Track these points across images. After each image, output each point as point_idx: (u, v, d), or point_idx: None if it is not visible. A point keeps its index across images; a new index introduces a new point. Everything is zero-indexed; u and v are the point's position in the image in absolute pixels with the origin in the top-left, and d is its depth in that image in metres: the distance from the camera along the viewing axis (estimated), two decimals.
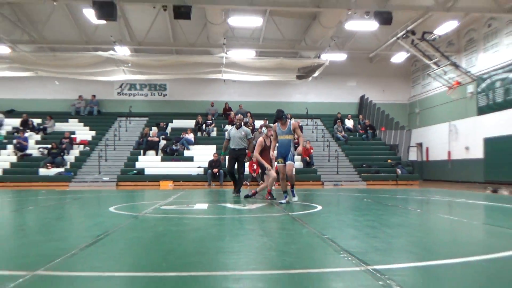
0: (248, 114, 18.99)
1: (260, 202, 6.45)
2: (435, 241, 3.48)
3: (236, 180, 7.70)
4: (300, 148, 6.00)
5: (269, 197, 6.98)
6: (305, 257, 2.77)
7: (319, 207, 5.94)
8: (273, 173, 6.90)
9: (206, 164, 14.83)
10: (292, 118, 6.16)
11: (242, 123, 7.60)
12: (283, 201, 5.94)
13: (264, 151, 7.00)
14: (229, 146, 7.62)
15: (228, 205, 6.36)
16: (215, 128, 18.14)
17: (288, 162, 6.00)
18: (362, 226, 4.09)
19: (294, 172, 6.10)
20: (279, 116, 5.88)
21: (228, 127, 7.96)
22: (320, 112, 20.40)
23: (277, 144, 6.29)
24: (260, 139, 6.99)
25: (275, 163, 6.17)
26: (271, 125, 6.93)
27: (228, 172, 7.66)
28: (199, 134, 18.21)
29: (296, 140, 6.20)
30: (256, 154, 6.91)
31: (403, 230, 3.92)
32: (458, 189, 11.71)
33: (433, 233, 3.98)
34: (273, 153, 6.44)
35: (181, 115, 19.60)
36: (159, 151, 16.43)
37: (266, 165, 6.85)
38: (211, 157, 14.87)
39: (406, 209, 5.93)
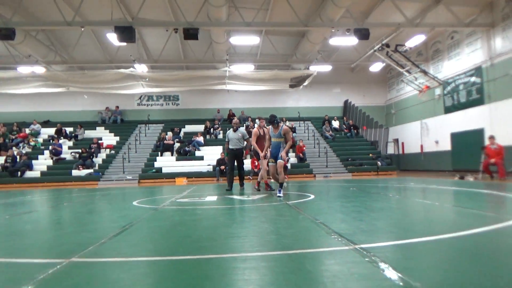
0: (249, 119, 18.92)
1: (261, 194, 6.42)
2: (412, 222, 3.48)
3: (232, 179, 7.60)
4: (282, 154, 5.78)
5: (269, 189, 6.96)
6: (301, 239, 2.78)
7: (312, 196, 5.92)
8: (265, 164, 6.89)
9: (214, 162, 14.83)
10: (286, 122, 6.05)
11: (245, 125, 7.58)
12: (280, 194, 5.88)
13: (260, 140, 6.99)
14: (230, 146, 7.55)
15: (235, 197, 6.34)
16: (221, 132, 18.12)
17: (278, 161, 5.94)
18: (349, 211, 4.09)
19: (282, 170, 5.97)
20: (271, 121, 5.81)
21: (229, 130, 7.69)
22: (310, 115, 20.33)
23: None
24: (255, 129, 6.97)
25: (266, 161, 6.12)
26: (262, 117, 6.95)
27: (229, 169, 7.58)
28: (207, 137, 18.18)
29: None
30: (253, 143, 6.91)
31: (384, 214, 3.92)
32: (430, 177, 11.69)
33: (410, 215, 3.97)
34: (266, 153, 6.38)
35: (192, 121, 19.53)
36: (174, 152, 16.40)
37: (260, 153, 6.82)
38: (219, 156, 14.86)
39: (386, 196, 5.91)
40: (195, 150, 16.59)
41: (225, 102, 20.33)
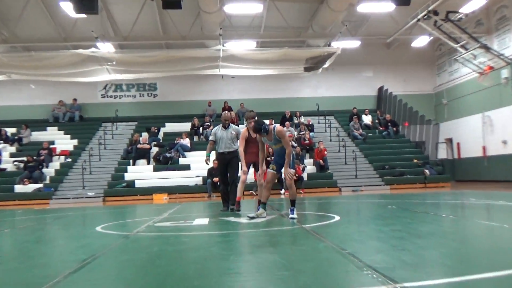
0: (252, 113, 19.02)
1: (269, 214, 6.41)
2: (473, 251, 3.43)
3: (226, 196, 7.56)
4: (286, 172, 5.83)
5: (236, 208, 7.02)
6: (323, 276, 2.73)
7: (337, 217, 5.91)
8: (244, 177, 6.94)
9: (205, 173, 14.84)
10: (277, 125, 6.08)
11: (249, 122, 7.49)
12: (293, 215, 5.85)
13: (249, 144, 6.98)
14: (217, 149, 7.53)
15: (232, 219, 6.34)
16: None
17: (288, 168, 5.93)
18: (388, 238, 4.06)
19: (292, 182, 5.96)
20: (258, 129, 5.86)
21: (216, 127, 7.82)
22: (333, 107, 20.38)
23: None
24: (243, 130, 6.99)
25: (267, 169, 6.14)
26: (251, 114, 7.02)
27: (220, 182, 7.57)
28: (195, 138, 18.25)
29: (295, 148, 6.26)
30: (240, 148, 6.93)
31: (435, 240, 3.88)
32: (496, 190, 11.61)
33: (471, 242, 3.93)
34: (263, 168, 6.46)
35: (174, 118, 19.67)
36: (151, 160, 16.48)
37: (243, 165, 6.84)
38: (211, 165, 14.87)
39: (438, 216, 5.88)
40: (179, 156, 16.65)
41: (219, 92, 20.45)
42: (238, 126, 8.12)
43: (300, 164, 14.96)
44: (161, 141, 17.96)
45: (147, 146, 16.64)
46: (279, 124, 6.35)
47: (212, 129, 8.12)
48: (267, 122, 17.48)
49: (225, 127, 7.47)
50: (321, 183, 15.12)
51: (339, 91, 20.77)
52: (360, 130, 18.35)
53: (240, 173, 7.10)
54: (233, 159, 7.27)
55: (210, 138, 7.57)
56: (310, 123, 18.59)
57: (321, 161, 15.76)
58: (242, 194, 7.18)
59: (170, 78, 19.39)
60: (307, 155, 16.74)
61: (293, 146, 15.89)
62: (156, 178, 15.46)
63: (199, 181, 15.22)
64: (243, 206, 7.44)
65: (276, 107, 19.97)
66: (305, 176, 15.10)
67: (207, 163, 7.50)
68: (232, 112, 18.41)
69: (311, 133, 17.75)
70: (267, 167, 6.17)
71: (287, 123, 17.58)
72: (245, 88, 20.49)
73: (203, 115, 19.50)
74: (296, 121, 18.85)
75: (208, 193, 14.30)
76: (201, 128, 18.34)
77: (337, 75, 20.50)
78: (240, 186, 7.04)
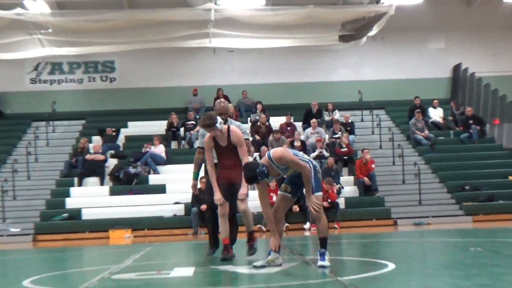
0: (258, 107, 19.04)
1: (285, 261, 6.40)
2: None
3: (216, 231, 7.54)
4: (312, 198, 5.83)
5: (223, 255, 6.89)
6: None
7: (391, 266, 5.87)
8: (222, 210, 6.86)
9: (188, 198, 14.86)
10: (274, 151, 6.14)
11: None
12: (324, 262, 5.83)
13: (221, 155, 6.93)
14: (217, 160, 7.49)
15: (229, 267, 6.33)
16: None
17: (314, 195, 5.91)
18: None
19: (321, 212, 5.95)
20: (250, 179, 6.04)
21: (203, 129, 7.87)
22: (384, 97, 20.43)
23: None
24: (206, 137, 6.92)
25: (278, 190, 6.25)
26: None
27: (211, 208, 7.50)
28: (174, 145, 18.26)
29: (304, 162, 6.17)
30: (208, 167, 6.87)
31: None
32: None
33: None
34: (244, 193, 6.63)
35: (141, 114, 19.77)
36: (106, 178, 16.54)
37: (216, 192, 6.76)
38: (197, 186, 14.87)
39: None
40: (149, 172, 16.69)
41: (209, 74, 20.55)
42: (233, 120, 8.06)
43: (334, 184, 14.93)
44: (121, 149, 18.00)
45: (101, 157, 16.69)
46: (274, 150, 6.26)
47: (199, 130, 8.04)
48: (260, 160, 17.55)
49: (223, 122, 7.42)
50: (367, 213, 15.11)
51: (392, 72, 20.77)
52: (426, 132, 18.33)
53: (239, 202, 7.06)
54: (235, 177, 7.15)
55: (197, 144, 7.57)
56: (349, 120, 18.59)
57: (366, 179, 15.73)
58: (230, 234, 7.06)
59: (136, 54, 19.45)
60: (345, 170, 16.73)
61: (322, 157, 15.93)
62: (114, 205, 15.48)
63: (180, 210, 15.20)
64: (244, 248, 7.39)
65: (296, 97, 20.00)
66: (341, 202, 15.07)
67: (194, 190, 7.53)
68: (230, 105, 18.46)
69: (351, 137, 17.75)
70: (278, 186, 6.28)
71: (313, 121, 17.59)
72: (249, 68, 20.56)
73: (185, 109, 19.55)
74: (327, 117, 18.86)
75: (194, 229, 14.28)
76: (182, 129, 18.37)
77: (389, 47, 20.51)
78: (221, 223, 6.95)
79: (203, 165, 7.57)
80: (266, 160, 5.91)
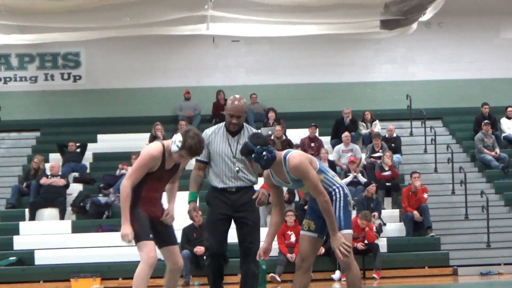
0: (271, 115, 19.08)
1: None
2: None
3: (219, 283, 7.55)
4: (338, 237, 5.88)
5: None
6: None
7: None
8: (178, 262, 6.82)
9: (177, 237, 14.88)
10: (294, 153, 6.05)
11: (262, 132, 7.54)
12: None
13: (155, 180, 6.77)
14: (211, 182, 7.51)
15: None
16: None
17: (341, 233, 5.98)
18: None
19: (351, 257, 6.02)
20: (245, 153, 6.03)
21: (208, 130, 7.86)
22: (441, 103, 20.52)
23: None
24: (150, 150, 6.69)
25: (301, 230, 6.27)
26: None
27: (215, 255, 7.50)
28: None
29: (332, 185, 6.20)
30: (123, 190, 6.45)
31: None
32: None
33: None
34: (266, 245, 6.52)
35: (115, 124, 19.94)
36: (68, 210, 16.60)
37: (125, 225, 6.52)
38: (189, 220, 14.93)
39: None
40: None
41: (207, 70, 20.70)
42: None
43: (373, 219, 14.95)
44: (88, 170, 18.09)
45: (61, 182, 16.71)
46: (295, 151, 6.14)
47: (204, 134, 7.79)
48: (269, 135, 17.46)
49: (233, 131, 7.39)
50: (417, 258, 15.09)
51: (452, 71, 20.83)
52: (497, 150, 18.30)
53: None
54: (250, 205, 7.26)
55: (203, 157, 7.43)
56: (394, 135, 18.60)
57: (416, 213, 15.67)
58: None
59: (108, 44, 19.68)
60: (388, 201, 16.77)
61: (358, 183, 15.97)
62: (78, 246, 15.50)
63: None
64: None
65: (323, 103, 20.13)
66: (382, 243, 15.06)
67: (194, 216, 7.46)
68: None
69: (396, 156, 17.77)
70: (298, 222, 6.33)
71: (345, 135, 17.57)
72: (259, 64, 20.70)
73: (173, 118, 19.67)
74: (364, 130, 18.97)
75: (184, 278, 14.36)
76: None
77: (448, 37, 20.64)
78: (138, 279, 6.84)
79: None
80: (279, 158, 5.96)
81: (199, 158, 7.28)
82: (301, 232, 6.24)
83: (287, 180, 6.00)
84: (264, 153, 5.82)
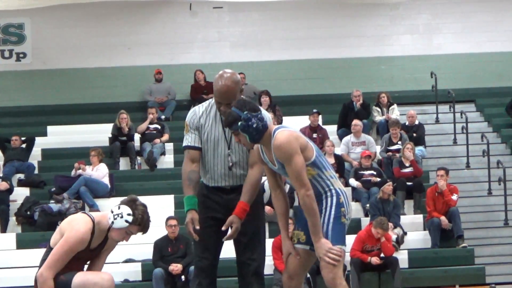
0: (264, 100, 19.03)
1: None
2: None
3: None
4: (322, 243, 5.83)
5: None
6: None
7: None
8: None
9: (147, 253, 15.12)
10: (282, 130, 5.91)
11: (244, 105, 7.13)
12: None
13: (71, 268, 6.86)
14: (202, 179, 7.43)
15: None
16: (171, 145, 18.46)
17: (323, 240, 5.97)
18: None
19: (340, 273, 6.04)
20: (229, 123, 5.96)
21: (197, 108, 7.59)
22: (474, 83, 20.67)
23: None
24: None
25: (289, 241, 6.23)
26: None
27: (204, 271, 7.49)
28: (123, 164, 18.40)
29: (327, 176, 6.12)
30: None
31: None
32: None
33: None
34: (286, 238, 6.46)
35: (70, 113, 20.01)
36: (11, 219, 16.65)
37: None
38: (164, 231, 15.14)
39: None
40: (83, 210, 16.60)
41: (183, 45, 20.81)
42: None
43: (391, 227, 14.98)
44: (36, 171, 18.07)
45: (2, 186, 16.72)
46: (288, 129, 5.95)
47: (191, 118, 7.44)
48: (263, 110, 17.31)
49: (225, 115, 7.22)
50: (445, 275, 15.11)
51: (488, 43, 20.92)
52: None
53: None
54: (250, 209, 7.19)
55: (186, 141, 7.19)
56: (416, 122, 18.67)
57: (443, 218, 15.73)
58: None
59: (60, 13, 19.74)
60: (409, 204, 16.81)
61: (371, 183, 16.02)
62: (24, 265, 15.52)
63: (134, 272, 15.36)
64: None
65: (327, 83, 20.24)
66: (403, 257, 15.09)
67: (192, 230, 7.15)
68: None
69: (419, 149, 17.85)
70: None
71: (355, 123, 17.61)
72: (248, 37, 20.81)
73: (142, 104, 19.79)
74: (378, 117, 19.01)
75: None
76: (137, 138, 18.57)
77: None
78: None
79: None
80: (270, 132, 5.90)
81: (189, 143, 7.11)
82: (296, 246, 6.15)
83: (274, 162, 5.93)
84: (253, 120, 5.76)
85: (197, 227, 6.76)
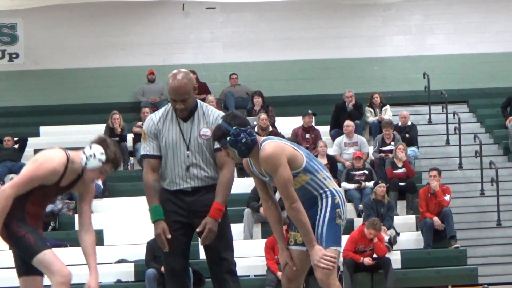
0: (257, 100, 19.04)
1: None
2: None
3: None
4: (316, 250, 5.84)
5: None
6: None
7: None
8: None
9: (140, 253, 15.14)
10: (269, 142, 5.89)
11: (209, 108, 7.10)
12: None
13: (40, 204, 6.74)
14: (162, 184, 7.37)
15: None
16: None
17: (317, 247, 5.98)
18: None
19: (334, 276, 6.04)
20: (217, 137, 5.98)
21: (154, 115, 7.52)
22: (466, 83, 20.67)
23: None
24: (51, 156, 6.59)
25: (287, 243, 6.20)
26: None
27: (172, 272, 7.46)
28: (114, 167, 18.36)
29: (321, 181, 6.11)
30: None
31: None
32: None
33: None
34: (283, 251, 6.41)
35: (62, 113, 19.98)
36: None
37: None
38: (151, 232, 14.98)
39: None
40: (75, 211, 16.64)
41: (175, 45, 20.82)
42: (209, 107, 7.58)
43: (383, 228, 15.00)
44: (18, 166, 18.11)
45: None
46: (275, 140, 5.91)
47: (148, 126, 7.40)
48: (253, 122, 17.39)
49: (185, 114, 7.17)
50: (438, 275, 15.15)
51: (481, 43, 20.91)
52: None
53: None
54: (208, 206, 7.17)
55: (144, 150, 7.17)
56: (409, 123, 18.69)
57: (436, 219, 15.73)
58: None
59: (52, 14, 19.71)
60: (402, 204, 16.83)
61: (362, 188, 16.06)
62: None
63: (127, 273, 15.41)
64: None
65: (320, 84, 20.24)
66: (395, 257, 15.14)
67: (164, 241, 7.11)
68: (211, 97, 18.55)
69: (412, 150, 17.89)
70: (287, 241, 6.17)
71: (348, 124, 17.60)
72: (241, 37, 20.81)
73: (135, 104, 19.81)
74: (371, 118, 19.01)
75: None
76: (129, 139, 18.59)
77: (474, 0, 20.72)
78: None
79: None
80: (258, 144, 5.86)
81: (148, 152, 7.12)
82: (290, 247, 6.16)
83: (264, 174, 5.95)
84: (242, 135, 5.72)
85: (169, 237, 6.83)
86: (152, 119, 7.04)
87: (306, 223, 5.79)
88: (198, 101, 7.05)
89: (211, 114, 6.98)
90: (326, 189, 5.99)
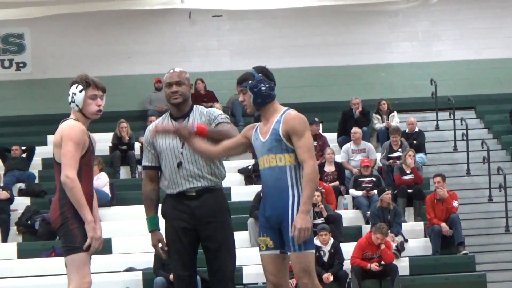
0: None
1: None
2: None
3: None
4: (302, 218, 5.81)
5: None
6: None
7: None
8: None
9: (149, 261, 15.14)
10: (290, 111, 5.99)
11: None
12: None
13: (91, 179, 6.68)
14: (163, 187, 7.36)
15: None
16: None
17: (308, 218, 5.96)
18: None
19: (313, 276, 6.02)
20: (240, 81, 6.09)
21: (151, 125, 7.62)
22: (473, 89, 20.64)
23: None
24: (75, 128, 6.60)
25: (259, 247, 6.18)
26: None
27: (180, 278, 7.45)
28: (124, 173, 18.50)
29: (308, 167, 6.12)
30: (70, 183, 6.34)
31: None
32: None
33: None
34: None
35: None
36: (12, 229, 16.61)
37: (87, 221, 6.48)
38: (164, 243, 14.99)
39: None
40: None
41: (182, 53, 20.80)
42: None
43: (391, 234, 14.99)
44: (36, 180, 18.09)
45: (2, 195, 16.67)
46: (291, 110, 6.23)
47: (145, 136, 7.53)
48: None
49: (176, 103, 7.12)
50: (446, 282, 15.07)
51: (488, 50, 20.89)
52: None
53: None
54: (216, 217, 7.17)
55: (143, 161, 7.20)
56: (416, 129, 18.68)
57: (444, 225, 15.72)
58: None
59: (59, 23, 19.73)
60: (409, 211, 16.81)
61: (370, 195, 16.05)
62: (25, 274, 15.51)
63: (135, 281, 15.38)
64: None
65: (327, 91, 20.30)
66: (403, 264, 15.12)
67: (160, 252, 7.13)
68: (217, 105, 18.53)
69: (420, 156, 17.87)
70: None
71: (355, 131, 17.57)
72: (247, 45, 20.80)
73: (142, 112, 19.81)
74: (378, 124, 19.06)
75: None
76: (137, 147, 18.58)
77: (481, 6, 20.72)
78: None
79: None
80: (277, 108, 6.07)
81: (145, 163, 7.29)
82: (260, 253, 6.13)
83: (266, 135, 5.97)
84: (264, 84, 5.92)
85: (165, 248, 7.00)
86: (149, 128, 7.18)
87: (314, 190, 5.94)
88: (195, 105, 7.16)
89: (205, 111, 7.10)
90: (300, 187, 5.95)
